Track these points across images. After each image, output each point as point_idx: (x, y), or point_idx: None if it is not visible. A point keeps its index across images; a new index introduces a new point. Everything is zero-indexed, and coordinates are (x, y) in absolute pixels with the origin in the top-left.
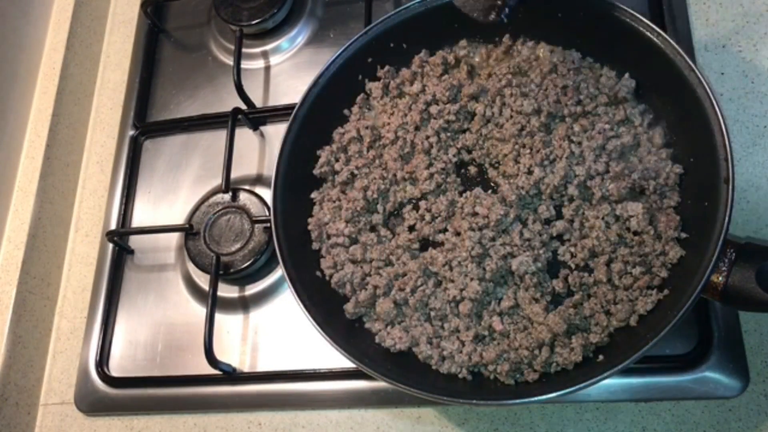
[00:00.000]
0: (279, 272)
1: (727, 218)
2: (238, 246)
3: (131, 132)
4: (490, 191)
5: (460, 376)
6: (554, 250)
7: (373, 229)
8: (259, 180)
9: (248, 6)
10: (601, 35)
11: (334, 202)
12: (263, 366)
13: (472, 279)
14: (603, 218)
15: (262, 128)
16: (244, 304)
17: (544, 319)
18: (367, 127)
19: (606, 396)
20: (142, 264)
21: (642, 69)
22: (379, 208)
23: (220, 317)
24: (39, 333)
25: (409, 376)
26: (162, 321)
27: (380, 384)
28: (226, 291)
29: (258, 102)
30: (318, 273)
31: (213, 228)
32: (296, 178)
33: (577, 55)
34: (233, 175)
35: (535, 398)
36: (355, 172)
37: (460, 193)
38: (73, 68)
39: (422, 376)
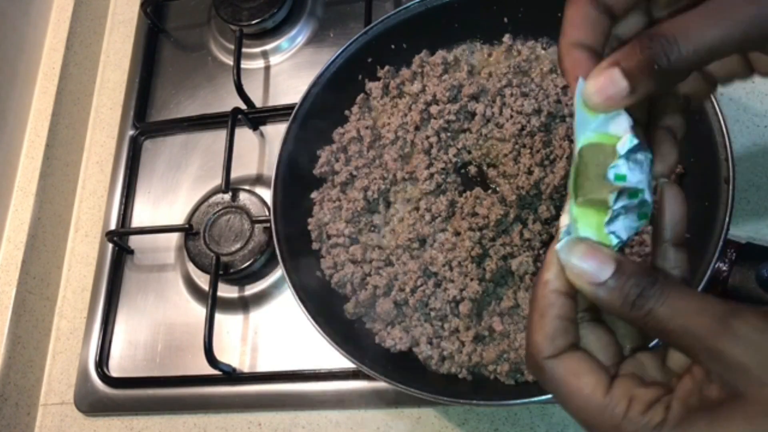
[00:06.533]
0: (279, 272)
1: (727, 218)
2: (238, 246)
3: (131, 132)
4: (490, 191)
5: (460, 376)
6: None
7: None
8: (259, 180)
9: (248, 6)
10: None
11: (334, 202)
12: (263, 366)
13: (472, 279)
14: None
15: (262, 128)
16: (244, 304)
17: None
18: (367, 127)
19: None
20: (142, 264)
21: None
22: (380, 208)
23: (220, 317)
24: (39, 333)
25: (409, 376)
26: (162, 321)
27: (380, 384)
28: (226, 291)
29: (258, 102)
30: (318, 273)
31: (213, 228)
32: (296, 178)
33: None
34: (233, 175)
35: (535, 398)
36: (355, 172)
37: (460, 193)
38: (72, 68)
39: (422, 376)
